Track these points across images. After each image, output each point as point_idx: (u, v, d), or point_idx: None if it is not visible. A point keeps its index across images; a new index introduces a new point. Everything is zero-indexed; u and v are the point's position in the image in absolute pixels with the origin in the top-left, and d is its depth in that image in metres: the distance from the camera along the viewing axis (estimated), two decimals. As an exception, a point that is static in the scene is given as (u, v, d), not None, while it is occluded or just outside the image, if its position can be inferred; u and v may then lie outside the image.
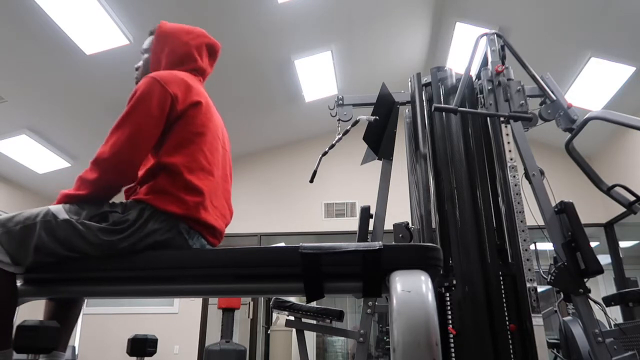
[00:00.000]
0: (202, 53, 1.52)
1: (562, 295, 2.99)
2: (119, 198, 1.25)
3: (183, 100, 1.30)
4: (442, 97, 2.33)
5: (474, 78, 2.39)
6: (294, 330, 2.65)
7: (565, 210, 1.88)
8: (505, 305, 1.92)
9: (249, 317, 6.29)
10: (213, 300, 6.35)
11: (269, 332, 6.12)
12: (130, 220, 1.21)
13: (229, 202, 1.51)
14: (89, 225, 1.19)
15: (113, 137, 1.23)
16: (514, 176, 2.03)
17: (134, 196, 1.29)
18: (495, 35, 2.29)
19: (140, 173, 1.34)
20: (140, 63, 1.52)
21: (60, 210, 1.20)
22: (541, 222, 1.96)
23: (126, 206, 1.26)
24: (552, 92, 2.22)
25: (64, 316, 1.47)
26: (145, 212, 1.23)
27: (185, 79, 1.35)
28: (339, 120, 2.57)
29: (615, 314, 5.59)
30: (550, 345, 3.21)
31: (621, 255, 5.84)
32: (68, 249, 1.17)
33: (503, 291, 1.94)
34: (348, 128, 2.36)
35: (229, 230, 6.64)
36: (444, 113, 2.26)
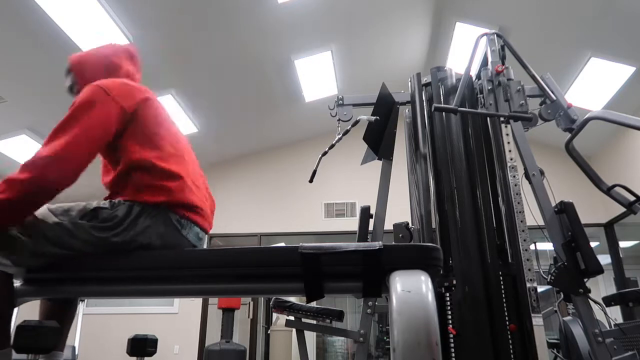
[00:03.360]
0: (122, 58, 1.54)
1: (562, 295, 3.00)
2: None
3: (131, 100, 1.31)
4: (442, 97, 2.33)
5: (474, 78, 2.39)
6: (294, 330, 2.65)
7: (565, 210, 1.88)
8: (505, 305, 1.92)
9: (249, 317, 6.29)
10: (213, 300, 6.35)
11: (269, 332, 6.12)
12: (119, 217, 1.22)
13: (207, 186, 1.53)
14: (81, 224, 1.19)
15: (56, 140, 1.18)
16: (514, 176, 2.03)
17: (119, 197, 1.29)
18: (495, 35, 2.29)
19: (109, 179, 1.34)
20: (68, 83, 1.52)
21: (47, 215, 1.21)
22: (541, 222, 1.96)
23: (114, 204, 1.26)
24: (552, 92, 2.22)
25: (60, 316, 1.48)
26: (134, 209, 1.24)
27: (124, 81, 1.36)
28: (339, 120, 2.57)
29: (615, 314, 5.58)
30: (550, 345, 3.21)
31: (621, 255, 5.84)
32: (63, 249, 1.18)
33: (503, 291, 1.94)
34: (348, 128, 2.36)
35: (229, 230, 6.65)
36: (444, 113, 2.26)
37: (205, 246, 1.43)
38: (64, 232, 1.18)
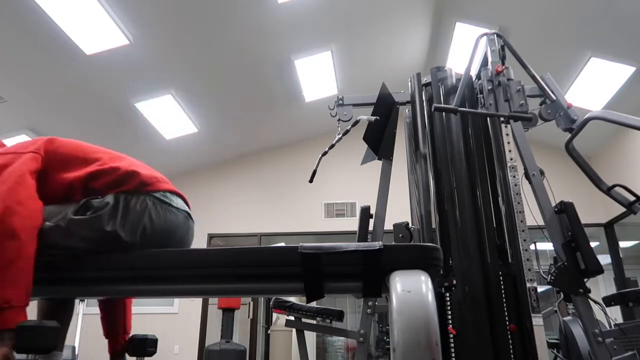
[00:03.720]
0: None
1: (562, 295, 3.00)
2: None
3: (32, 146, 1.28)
4: (442, 97, 2.33)
5: (474, 78, 2.39)
6: (294, 330, 2.65)
7: (565, 210, 1.88)
8: (505, 305, 1.92)
9: (249, 317, 6.29)
10: (213, 300, 6.35)
11: (269, 332, 6.12)
12: (111, 203, 1.21)
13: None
14: (77, 219, 1.18)
15: None
16: (514, 176, 2.03)
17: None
18: (495, 35, 2.28)
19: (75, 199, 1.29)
20: None
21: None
22: (541, 222, 1.96)
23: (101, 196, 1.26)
24: (552, 92, 2.22)
25: (58, 316, 1.47)
26: (120, 196, 1.24)
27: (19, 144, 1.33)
28: (339, 120, 2.57)
29: (615, 314, 5.58)
30: (550, 345, 3.21)
31: (621, 255, 5.84)
32: (64, 249, 1.18)
33: (503, 291, 1.94)
34: (348, 128, 2.36)
35: (229, 230, 6.66)
36: (444, 113, 2.26)
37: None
38: (60, 234, 1.17)
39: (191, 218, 1.42)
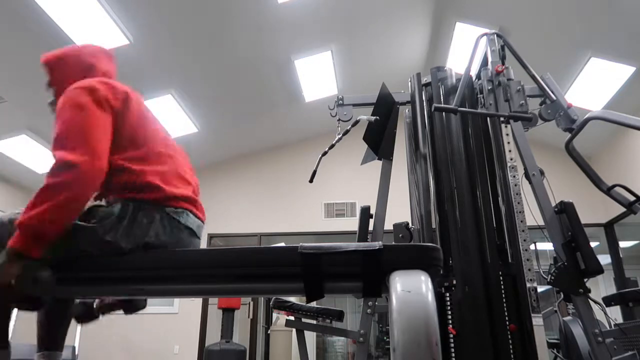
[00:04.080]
0: (100, 57, 1.50)
1: (562, 295, 3.00)
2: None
3: (115, 101, 1.28)
4: (442, 97, 2.33)
5: (474, 78, 2.38)
6: (294, 330, 2.65)
7: (565, 210, 1.88)
8: (505, 305, 1.92)
9: (249, 317, 6.29)
10: (213, 300, 6.35)
11: (269, 332, 6.12)
12: (115, 214, 1.21)
13: (197, 182, 1.51)
14: (81, 226, 1.18)
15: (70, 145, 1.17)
16: (514, 176, 2.03)
17: (110, 195, 1.28)
18: (495, 35, 2.28)
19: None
20: (52, 98, 1.50)
21: None
22: (541, 222, 1.96)
23: (109, 203, 1.25)
24: (552, 92, 2.22)
25: (59, 316, 1.47)
26: (129, 205, 1.23)
27: (102, 80, 1.34)
28: (339, 120, 2.57)
29: (615, 314, 5.58)
30: (550, 345, 3.21)
31: (621, 255, 5.84)
32: (69, 253, 1.17)
33: (503, 291, 1.94)
34: (348, 128, 2.36)
35: (229, 230, 6.65)
36: (444, 113, 2.26)
37: (204, 240, 1.42)
38: (67, 236, 1.17)
39: (197, 235, 1.39)
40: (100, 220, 1.19)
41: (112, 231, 1.19)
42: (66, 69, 1.44)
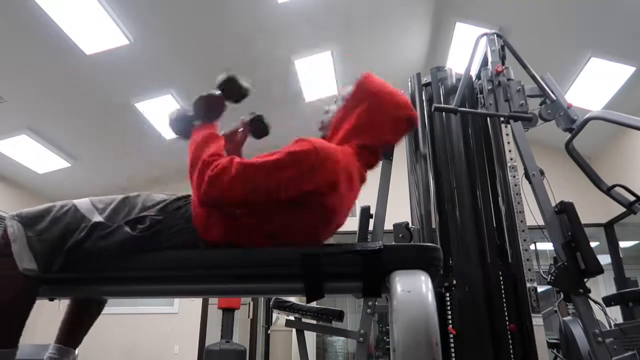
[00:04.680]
0: (398, 129, 1.34)
1: (562, 295, 3.00)
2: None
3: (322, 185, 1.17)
4: (442, 97, 2.33)
5: (474, 78, 2.38)
6: (294, 330, 2.65)
7: (565, 210, 1.88)
8: (505, 305, 1.92)
9: (249, 317, 6.29)
10: (213, 300, 6.35)
11: (269, 332, 6.12)
12: (167, 224, 1.18)
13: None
14: (123, 231, 1.15)
15: (250, 170, 1.19)
16: (514, 176, 2.03)
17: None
18: (495, 35, 2.28)
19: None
20: (333, 107, 1.42)
21: (90, 210, 1.17)
22: (541, 222, 1.96)
23: (166, 210, 1.21)
24: (552, 92, 2.22)
25: (86, 314, 1.47)
26: (185, 213, 1.20)
27: (346, 169, 1.23)
28: (339, 120, 2.56)
29: (615, 314, 5.58)
30: (550, 345, 3.21)
31: (621, 255, 5.84)
32: (92, 252, 1.15)
33: (503, 291, 1.94)
34: (348, 128, 2.35)
35: (229, 230, 6.66)
36: (444, 113, 2.26)
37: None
38: (101, 233, 1.14)
39: None
40: (149, 228, 1.19)
41: (146, 240, 1.20)
42: (361, 105, 1.40)
